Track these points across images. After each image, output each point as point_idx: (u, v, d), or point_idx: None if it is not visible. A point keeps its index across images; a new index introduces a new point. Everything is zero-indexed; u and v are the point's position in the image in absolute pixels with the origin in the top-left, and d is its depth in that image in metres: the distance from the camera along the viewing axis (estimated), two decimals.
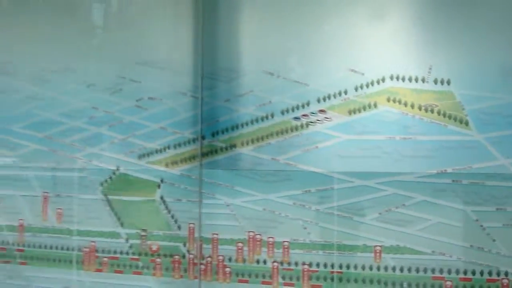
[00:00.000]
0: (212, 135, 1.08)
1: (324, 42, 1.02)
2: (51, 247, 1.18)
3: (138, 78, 1.12)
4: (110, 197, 1.13)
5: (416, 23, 0.98)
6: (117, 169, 1.13)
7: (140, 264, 1.12)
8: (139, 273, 1.11)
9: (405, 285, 0.99)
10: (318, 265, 1.02)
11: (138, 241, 1.12)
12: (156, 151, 1.11)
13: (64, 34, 1.18)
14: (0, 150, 1.21)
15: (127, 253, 1.12)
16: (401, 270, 0.99)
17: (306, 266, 1.03)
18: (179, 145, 1.10)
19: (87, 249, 1.14)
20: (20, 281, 1.20)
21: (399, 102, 0.99)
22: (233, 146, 1.06)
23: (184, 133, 1.09)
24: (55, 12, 1.19)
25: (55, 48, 1.18)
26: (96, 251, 1.14)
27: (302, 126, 1.03)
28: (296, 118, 1.03)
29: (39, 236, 1.18)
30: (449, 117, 0.94)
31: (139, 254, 1.12)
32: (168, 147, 1.10)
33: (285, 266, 1.04)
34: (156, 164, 1.11)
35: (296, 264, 1.04)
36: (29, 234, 1.19)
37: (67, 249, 1.17)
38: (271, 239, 1.05)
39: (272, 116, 1.05)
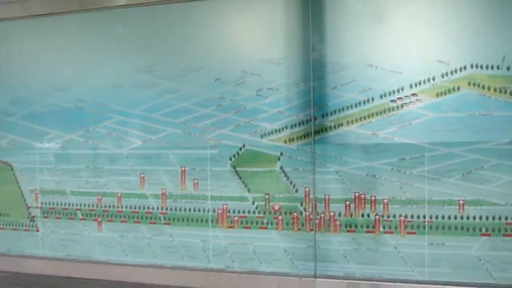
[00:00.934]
0: (322, 116, 1.39)
1: (416, 37, 1.29)
2: (189, 210, 1.52)
3: (259, 72, 1.41)
4: (238, 169, 1.46)
5: (493, 21, 1.24)
6: (243, 146, 1.45)
7: (265, 220, 1.44)
8: (264, 228, 1.44)
9: (483, 230, 1.27)
10: (412, 216, 1.32)
11: (262, 203, 1.44)
12: (276, 131, 1.42)
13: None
14: (145, 134, 1.52)
15: (254, 212, 1.45)
16: (480, 218, 1.28)
17: (402, 218, 1.32)
18: (295, 125, 1.41)
19: (220, 210, 1.47)
20: (165, 237, 1.52)
21: (478, 85, 1.27)
22: (340, 125, 1.37)
23: (298, 116, 1.41)
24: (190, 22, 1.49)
25: (191, 50, 1.54)
26: (228, 211, 1.46)
27: (397, 107, 1.33)
28: (393, 101, 1.33)
29: (179, 201, 1.52)
30: None
31: (264, 213, 1.44)
32: (286, 127, 1.42)
33: (385, 218, 1.33)
34: (276, 141, 1.43)
35: (394, 216, 1.33)
36: (170, 201, 1.52)
37: (203, 211, 1.50)
38: (373, 197, 1.35)
39: (373, 100, 1.35)
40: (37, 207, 1.78)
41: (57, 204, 1.75)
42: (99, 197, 1.68)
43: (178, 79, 1.58)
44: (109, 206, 1.68)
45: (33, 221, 1.78)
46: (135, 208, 1.65)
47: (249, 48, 1.51)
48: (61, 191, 1.74)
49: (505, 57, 1.29)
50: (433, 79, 1.35)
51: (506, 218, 1.31)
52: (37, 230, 1.78)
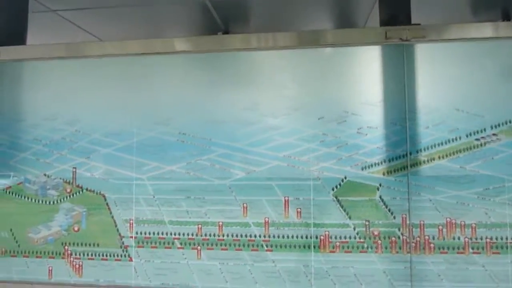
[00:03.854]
0: (416, 151, 1.67)
1: (496, 86, 1.62)
2: (292, 237, 1.71)
3: (359, 113, 1.68)
4: (340, 198, 1.69)
5: None
6: (345, 178, 1.68)
7: (365, 245, 1.68)
8: (365, 252, 1.67)
9: None
10: (496, 238, 1.60)
11: (363, 229, 1.67)
12: (375, 164, 1.68)
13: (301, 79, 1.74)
14: (248, 166, 1.72)
15: (355, 238, 1.67)
16: None
17: (488, 239, 1.60)
18: (392, 159, 1.68)
19: (322, 236, 1.67)
20: (267, 263, 1.70)
21: None
22: (432, 159, 1.66)
23: (395, 151, 1.67)
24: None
25: (294, 91, 1.83)
26: (330, 237, 1.66)
27: (481, 144, 1.64)
28: (477, 139, 1.63)
29: (281, 229, 1.72)
30: None
31: (364, 238, 1.67)
32: (384, 161, 1.69)
33: (473, 240, 1.61)
34: (375, 173, 1.68)
35: (481, 238, 1.62)
36: (273, 228, 1.72)
37: (306, 237, 1.69)
38: (462, 222, 1.63)
39: (460, 138, 1.66)
40: (131, 237, 1.88)
41: (154, 233, 1.87)
42: (200, 226, 1.83)
43: (282, 117, 1.81)
44: (210, 235, 1.83)
45: (126, 250, 1.88)
46: (236, 236, 1.81)
47: (350, 91, 1.79)
48: (159, 220, 1.87)
49: None
50: (510, 122, 1.69)
51: None
52: (131, 260, 1.88)
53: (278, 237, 1.83)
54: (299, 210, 1.82)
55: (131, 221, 1.92)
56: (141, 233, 1.91)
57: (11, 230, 2.02)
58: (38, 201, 2.00)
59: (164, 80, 1.96)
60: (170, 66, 1.96)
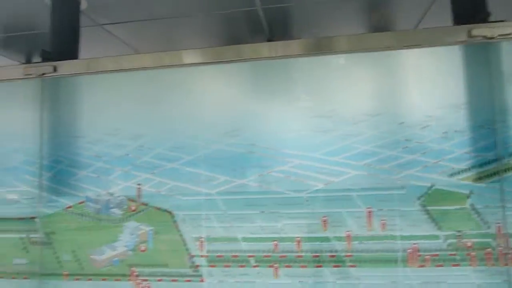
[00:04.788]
0: (509, 155, 1.54)
1: None
2: (376, 251, 1.59)
3: (443, 116, 1.59)
4: (428, 207, 1.59)
5: None
6: (432, 186, 1.58)
7: (458, 257, 1.58)
8: (457, 265, 1.56)
9: None
10: None
11: (454, 240, 1.56)
12: (463, 170, 1.59)
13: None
14: (326, 177, 1.63)
15: (446, 250, 1.56)
16: None
17: None
18: (482, 165, 1.58)
19: (410, 250, 1.57)
20: (350, 280, 1.60)
21: None
22: None
23: (485, 156, 1.57)
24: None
25: (371, 95, 1.76)
26: (418, 250, 1.56)
27: None
28: None
29: (365, 243, 1.61)
30: None
31: (456, 250, 1.56)
32: (473, 167, 1.58)
33: None
34: (464, 180, 1.57)
35: None
36: (356, 242, 1.62)
37: (392, 251, 1.58)
38: None
39: None
40: (202, 256, 1.80)
41: (226, 251, 1.78)
42: (276, 242, 1.74)
43: (360, 123, 1.73)
44: (287, 251, 1.74)
45: (197, 271, 1.80)
46: (316, 252, 1.72)
47: (432, 94, 1.70)
48: (231, 238, 1.78)
49: None
50: None
51: None
52: (202, 280, 1.79)
53: (362, 251, 1.73)
54: (383, 221, 1.72)
55: (202, 239, 1.84)
56: (212, 252, 1.83)
57: (73, 252, 1.95)
58: (101, 221, 1.93)
59: (229, 90, 1.90)
60: (234, 74, 1.90)
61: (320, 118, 1.79)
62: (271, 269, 1.78)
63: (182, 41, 2.75)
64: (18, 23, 2.88)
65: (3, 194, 2.05)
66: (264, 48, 1.90)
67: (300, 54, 1.84)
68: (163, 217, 1.89)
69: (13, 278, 2.02)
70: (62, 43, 2.19)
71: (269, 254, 1.79)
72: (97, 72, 2.02)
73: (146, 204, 1.91)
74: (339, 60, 1.83)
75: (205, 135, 1.87)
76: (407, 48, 1.78)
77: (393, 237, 1.72)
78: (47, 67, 2.01)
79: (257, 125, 1.84)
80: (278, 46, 1.89)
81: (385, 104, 1.76)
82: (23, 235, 2.02)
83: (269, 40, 2.95)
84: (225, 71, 1.92)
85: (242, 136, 1.84)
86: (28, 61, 3.50)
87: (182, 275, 1.86)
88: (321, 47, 1.82)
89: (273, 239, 1.79)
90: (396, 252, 1.71)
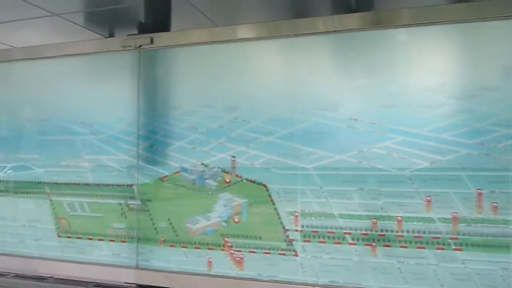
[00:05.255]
0: None
1: None
2: (486, 235, 1.49)
3: None
4: None
5: None
6: None
7: None
8: None
9: None
10: None
11: None
12: None
13: None
14: (432, 155, 1.54)
15: None
16: None
17: None
18: None
19: None
20: (455, 264, 1.52)
21: None
22: None
23: None
24: None
25: (485, 69, 1.63)
26: None
27: None
28: None
29: (473, 226, 1.53)
30: None
31: None
32: None
33: None
34: None
35: None
36: (463, 225, 1.54)
37: (504, 236, 1.48)
38: None
39: None
40: (296, 230, 1.80)
41: (322, 227, 1.77)
42: (374, 220, 1.70)
43: (473, 98, 1.62)
44: (387, 230, 1.69)
45: (291, 245, 1.80)
46: (418, 232, 1.66)
47: None
48: (327, 213, 1.77)
49: None
50: None
51: None
52: (296, 255, 1.80)
53: (469, 235, 1.64)
54: (495, 204, 1.62)
55: (296, 214, 1.83)
56: (307, 227, 1.82)
57: (169, 219, 2.02)
58: (196, 191, 1.99)
59: (328, 62, 1.84)
60: (331, 46, 1.84)
61: (428, 93, 1.69)
62: (369, 247, 1.75)
63: (264, 15, 2.70)
64: None
65: (104, 161, 2.15)
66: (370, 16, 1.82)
67: (406, 24, 1.74)
68: (257, 190, 1.90)
69: (111, 241, 2.14)
70: (157, 15, 2.23)
71: (367, 232, 1.75)
72: (192, 44, 2.04)
73: (240, 177, 1.93)
74: (438, 31, 1.69)
75: (303, 109, 1.82)
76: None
77: (505, 222, 1.61)
78: (145, 38, 2.05)
79: (358, 99, 1.78)
80: (365, 17, 1.79)
81: (500, 79, 1.64)
82: (122, 201, 2.12)
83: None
84: (322, 42, 1.87)
85: (342, 110, 1.78)
86: (111, 35, 3.63)
87: (275, 248, 1.87)
88: (429, 16, 1.71)
89: (371, 217, 1.75)
90: (508, 238, 1.61)
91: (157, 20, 2.19)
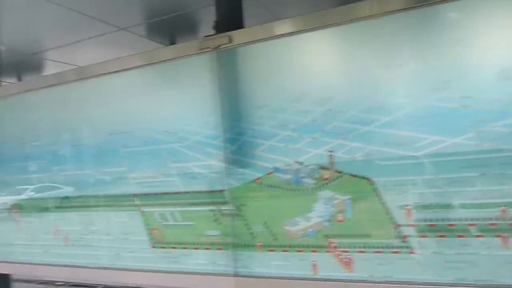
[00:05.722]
0: None
1: None
2: None
3: None
4: None
5: None
6: None
7: None
8: None
9: None
10: None
11: None
12: None
13: None
14: None
15: None
16: None
17: None
18: None
19: None
20: None
21: None
22: None
23: None
24: None
25: None
26: None
27: None
28: None
29: None
30: None
31: None
32: None
33: None
34: None
35: None
36: None
37: None
38: None
39: None
40: (410, 225, 1.65)
41: (440, 220, 1.61)
42: (503, 208, 1.52)
43: None
44: None
45: (406, 241, 1.66)
46: None
47: None
48: (445, 204, 1.60)
49: None
50: None
51: None
52: (412, 252, 1.65)
53: None
54: None
55: (408, 207, 1.68)
56: (422, 220, 1.66)
57: (265, 223, 1.94)
58: (293, 191, 1.89)
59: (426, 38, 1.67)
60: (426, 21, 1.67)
61: None
62: (499, 239, 1.56)
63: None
64: (164, 6, 2.99)
65: (192, 168, 2.12)
66: None
67: None
68: (360, 185, 1.77)
69: (206, 249, 2.10)
70: (230, 13, 2.17)
71: (496, 222, 1.56)
72: (271, 38, 1.95)
73: (340, 172, 1.81)
74: None
75: (406, 92, 1.67)
76: None
77: None
78: (223, 38, 1.99)
79: (469, 75, 1.60)
80: None
81: None
82: (214, 208, 2.08)
83: None
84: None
85: (452, 88, 1.62)
86: (172, 43, 3.66)
87: (387, 246, 1.72)
88: None
89: (499, 205, 1.56)
90: None
91: (231, 18, 2.13)
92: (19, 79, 4.36)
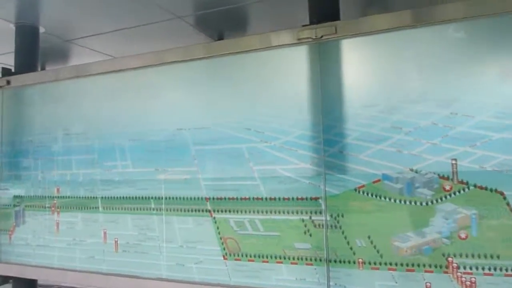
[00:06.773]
0: None
1: None
2: None
3: None
4: None
5: None
6: None
7: None
8: None
9: None
10: None
11: None
12: None
13: None
14: None
15: None
16: None
17: None
18: None
19: None
20: None
21: None
22: None
23: None
24: None
25: None
26: None
27: None
28: None
29: None
30: None
31: None
32: None
33: None
34: None
35: None
36: None
37: None
38: None
39: None
40: None
41: None
42: None
43: None
44: None
45: None
46: None
47: None
48: None
49: None
50: None
51: None
52: None
53: None
54: None
55: None
56: None
57: (369, 237, 1.74)
58: (405, 202, 1.70)
59: None
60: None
61: None
62: None
63: None
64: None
65: (279, 171, 1.90)
66: None
67: None
68: (490, 199, 1.59)
69: (293, 263, 1.88)
70: (328, 4, 1.98)
71: None
72: (380, 31, 1.78)
73: (465, 183, 1.62)
74: None
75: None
76: None
77: None
78: (327, 28, 1.81)
79: None
80: None
81: None
82: (305, 217, 1.87)
83: None
84: None
85: None
86: (220, 37, 3.46)
87: None
88: None
89: None
90: None
91: (328, 10, 1.95)
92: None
